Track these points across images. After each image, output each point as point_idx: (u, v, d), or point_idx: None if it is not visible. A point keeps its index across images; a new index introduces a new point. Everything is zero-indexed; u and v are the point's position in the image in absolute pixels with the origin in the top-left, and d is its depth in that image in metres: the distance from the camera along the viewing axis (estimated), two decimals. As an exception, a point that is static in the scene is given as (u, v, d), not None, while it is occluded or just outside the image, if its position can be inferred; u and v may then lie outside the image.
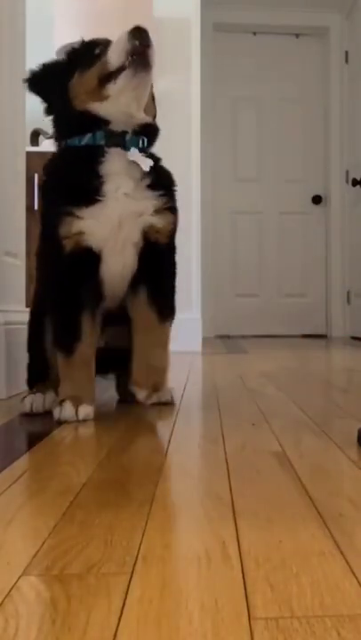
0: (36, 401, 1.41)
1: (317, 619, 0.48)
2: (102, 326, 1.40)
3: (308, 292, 5.16)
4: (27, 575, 0.57)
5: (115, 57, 1.30)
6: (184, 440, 1.18)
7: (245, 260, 5.10)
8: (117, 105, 1.32)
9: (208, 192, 4.72)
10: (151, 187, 1.33)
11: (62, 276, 1.30)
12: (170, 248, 1.41)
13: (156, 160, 1.38)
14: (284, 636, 0.46)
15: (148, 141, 1.37)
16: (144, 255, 1.34)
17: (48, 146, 3.14)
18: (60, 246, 1.27)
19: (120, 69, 1.29)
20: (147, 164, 1.32)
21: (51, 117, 1.40)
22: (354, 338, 4.76)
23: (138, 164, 1.31)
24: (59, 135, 1.39)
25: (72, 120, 1.34)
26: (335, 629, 0.47)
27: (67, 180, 1.31)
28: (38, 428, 1.29)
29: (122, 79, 1.30)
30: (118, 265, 1.32)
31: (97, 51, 1.34)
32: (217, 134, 5.04)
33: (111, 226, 1.28)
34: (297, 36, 5.14)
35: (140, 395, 1.36)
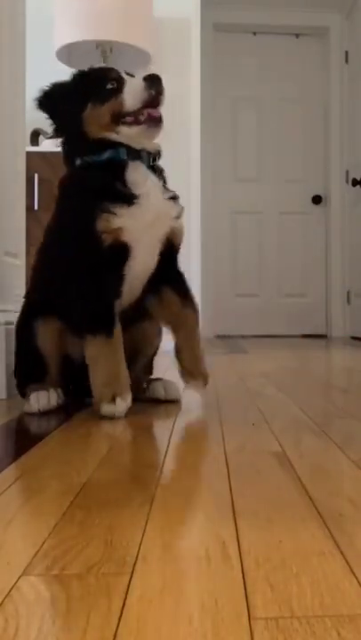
0: (42, 399, 1.42)
1: (317, 619, 0.48)
2: None
3: (308, 291, 5.16)
4: (27, 575, 0.57)
5: (130, 100, 1.41)
6: (184, 440, 1.18)
7: (245, 260, 5.10)
8: (129, 138, 1.43)
9: (208, 192, 4.73)
10: (170, 198, 1.47)
11: (99, 267, 1.38)
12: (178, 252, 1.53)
13: (163, 171, 1.51)
14: (284, 636, 0.46)
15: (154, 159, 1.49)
16: (163, 256, 1.46)
17: (48, 146, 3.14)
18: (98, 241, 1.36)
19: (135, 114, 1.40)
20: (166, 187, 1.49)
21: (61, 138, 1.49)
22: (354, 338, 4.76)
23: (156, 175, 1.46)
24: (71, 153, 1.47)
25: (86, 143, 1.43)
26: (335, 629, 0.47)
27: (99, 186, 1.40)
28: (38, 428, 1.29)
29: (135, 129, 1.42)
30: (143, 263, 1.43)
31: (109, 85, 1.42)
32: (217, 134, 5.04)
33: (145, 225, 1.40)
34: (297, 35, 5.14)
35: (196, 384, 1.49)
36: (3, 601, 0.52)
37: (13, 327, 1.55)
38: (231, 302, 5.06)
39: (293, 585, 0.54)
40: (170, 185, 1.51)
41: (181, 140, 3.47)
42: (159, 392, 1.55)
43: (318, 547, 0.63)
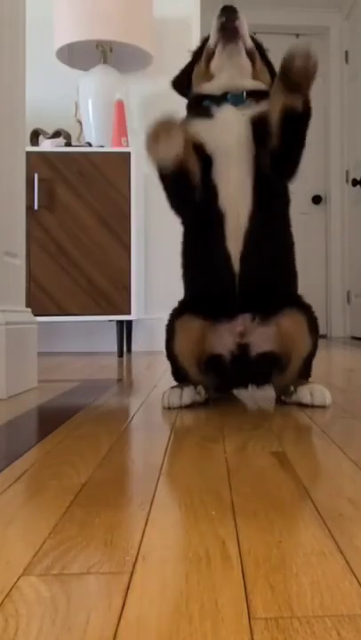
0: (174, 396, 1.46)
1: (317, 619, 0.48)
2: None
3: (309, 291, 5.13)
4: (27, 575, 0.57)
5: (212, 39, 1.52)
6: (184, 440, 1.18)
7: (245, 260, 5.10)
8: (221, 80, 1.50)
9: (208, 192, 4.71)
10: None
11: None
12: None
13: None
14: (284, 636, 0.46)
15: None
16: None
17: (48, 146, 3.14)
18: None
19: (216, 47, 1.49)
20: None
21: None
22: (354, 338, 4.75)
23: None
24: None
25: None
26: (335, 629, 0.47)
27: None
28: (38, 429, 1.29)
29: (217, 55, 1.50)
30: None
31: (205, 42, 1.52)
32: (217, 134, 5.03)
33: None
34: (297, 36, 5.14)
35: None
36: (3, 601, 0.52)
37: (14, 327, 1.55)
38: (231, 302, 5.05)
39: (293, 585, 0.54)
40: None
41: (181, 140, 3.47)
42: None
43: (318, 547, 0.63)
